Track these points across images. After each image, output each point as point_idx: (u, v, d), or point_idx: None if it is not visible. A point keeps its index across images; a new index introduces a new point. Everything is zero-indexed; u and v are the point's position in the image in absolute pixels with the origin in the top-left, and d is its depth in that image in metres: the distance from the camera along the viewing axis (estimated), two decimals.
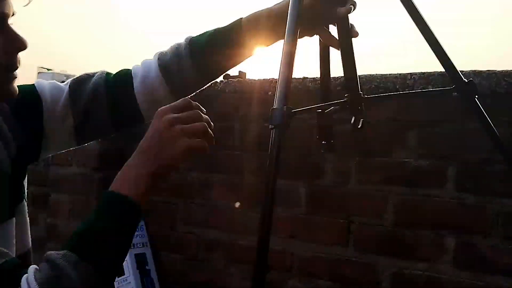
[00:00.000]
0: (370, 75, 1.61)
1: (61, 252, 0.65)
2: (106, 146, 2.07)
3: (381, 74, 1.60)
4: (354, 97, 0.99)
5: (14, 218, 0.82)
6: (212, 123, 0.79)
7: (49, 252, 0.66)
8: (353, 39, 0.92)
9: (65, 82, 0.95)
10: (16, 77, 0.77)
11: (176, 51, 0.93)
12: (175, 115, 0.72)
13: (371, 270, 1.61)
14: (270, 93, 1.75)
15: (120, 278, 1.96)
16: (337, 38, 0.92)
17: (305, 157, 1.73)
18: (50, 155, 1.02)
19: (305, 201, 1.73)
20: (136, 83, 0.93)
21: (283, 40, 0.85)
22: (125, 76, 0.95)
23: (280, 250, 1.77)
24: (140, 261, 1.99)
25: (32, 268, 0.65)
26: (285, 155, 1.77)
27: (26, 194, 0.89)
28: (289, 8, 0.84)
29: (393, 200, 1.58)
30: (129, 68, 0.97)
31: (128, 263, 1.95)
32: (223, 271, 1.89)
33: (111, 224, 0.69)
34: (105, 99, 0.92)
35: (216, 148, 1.90)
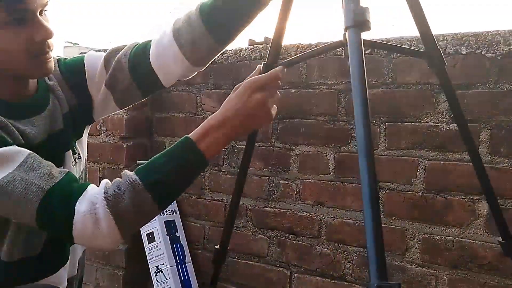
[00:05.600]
0: (400, 37, 1.56)
1: (133, 177, 0.81)
2: (134, 115, 2.08)
3: (411, 36, 1.55)
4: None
5: (61, 167, 0.97)
6: None
7: (125, 173, 0.83)
8: None
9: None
10: (50, 58, 0.90)
11: (188, 13, 0.97)
12: (267, 93, 0.85)
13: (400, 236, 1.60)
14: None
15: (150, 244, 2.00)
16: None
17: (332, 123, 1.71)
18: (104, 116, 1.15)
19: (333, 167, 1.72)
20: (152, 47, 1.00)
21: None
22: (146, 43, 1.03)
23: (308, 217, 1.77)
24: (169, 228, 2.02)
25: (104, 182, 0.84)
26: (313, 121, 1.76)
27: (76, 147, 1.04)
28: None
29: (424, 165, 1.55)
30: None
31: (158, 230, 1.98)
32: (250, 237, 1.91)
33: (179, 168, 0.83)
34: (127, 65, 1.02)
35: None
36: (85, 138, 1.11)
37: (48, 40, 0.88)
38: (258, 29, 1.97)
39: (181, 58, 0.98)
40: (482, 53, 1.44)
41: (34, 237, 0.97)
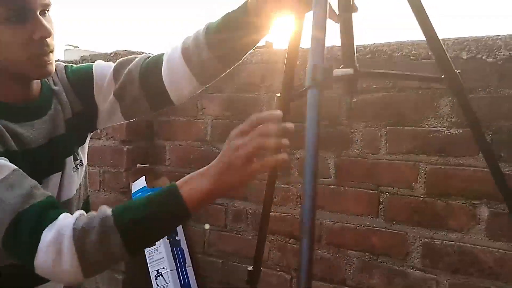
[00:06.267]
0: (401, 42, 1.56)
1: (107, 213, 0.77)
2: None
3: (412, 41, 1.55)
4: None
5: (61, 172, 0.98)
6: (291, 124, 0.85)
7: (102, 208, 0.79)
8: (353, 14, 0.95)
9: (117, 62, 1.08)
10: (50, 59, 0.90)
11: (196, 34, 0.99)
12: (240, 142, 0.76)
13: (401, 241, 1.60)
14: (298, 62, 1.72)
15: (151, 248, 1.99)
16: (337, 13, 0.95)
17: (333, 127, 1.71)
18: (108, 125, 1.16)
19: (334, 171, 1.72)
20: (164, 63, 1.01)
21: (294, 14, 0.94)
22: (158, 57, 1.03)
23: None
24: None
25: (78, 213, 0.79)
26: None
27: (78, 154, 1.04)
28: None
29: (424, 170, 1.55)
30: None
31: None
32: (251, 241, 1.90)
33: (157, 211, 0.78)
34: (137, 78, 1.02)
35: (243, 119, 1.89)
36: (86, 145, 1.12)
37: (48, 40, 0.88)
38: None
39: (190, 77, 1.00)
40: (483, 58, 1.44)
41: None
